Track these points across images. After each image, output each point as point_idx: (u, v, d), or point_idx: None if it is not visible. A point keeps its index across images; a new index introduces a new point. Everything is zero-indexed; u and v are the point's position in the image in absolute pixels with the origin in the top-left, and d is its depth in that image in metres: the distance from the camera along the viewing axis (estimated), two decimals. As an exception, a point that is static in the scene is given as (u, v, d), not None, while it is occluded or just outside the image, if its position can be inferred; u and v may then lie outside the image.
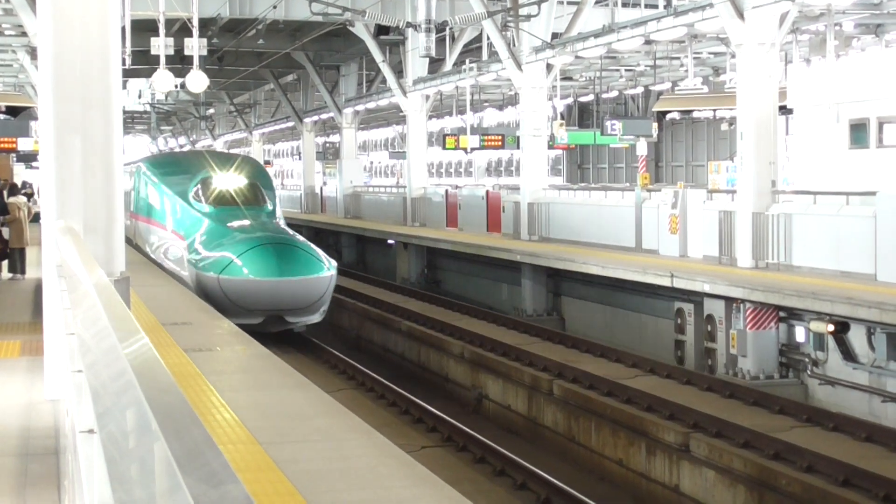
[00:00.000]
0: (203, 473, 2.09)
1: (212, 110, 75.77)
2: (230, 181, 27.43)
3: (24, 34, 26.70)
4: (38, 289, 14.60)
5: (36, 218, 24.83)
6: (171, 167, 31.37)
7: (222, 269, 23.37)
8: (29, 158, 36.09)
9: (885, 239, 18.86)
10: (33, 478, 7.67)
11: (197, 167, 28.78)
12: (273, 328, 23.73)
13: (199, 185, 27.18)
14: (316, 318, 24.96)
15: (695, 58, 36.51)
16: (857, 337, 17.09)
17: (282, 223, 27.98)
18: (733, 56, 26.33)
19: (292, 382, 10.04)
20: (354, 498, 6.75)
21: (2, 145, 33.34)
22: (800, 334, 18.39)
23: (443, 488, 6.98)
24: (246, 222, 26.18)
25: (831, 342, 17.55)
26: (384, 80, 41.51)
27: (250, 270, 23.41)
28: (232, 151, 60.58)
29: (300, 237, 26.74)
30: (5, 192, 23.05)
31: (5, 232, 20.33)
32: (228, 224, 25.84)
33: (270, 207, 27.90)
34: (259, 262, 23.59)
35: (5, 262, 21.03)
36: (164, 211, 28.35)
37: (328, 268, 24.43)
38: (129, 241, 22.26)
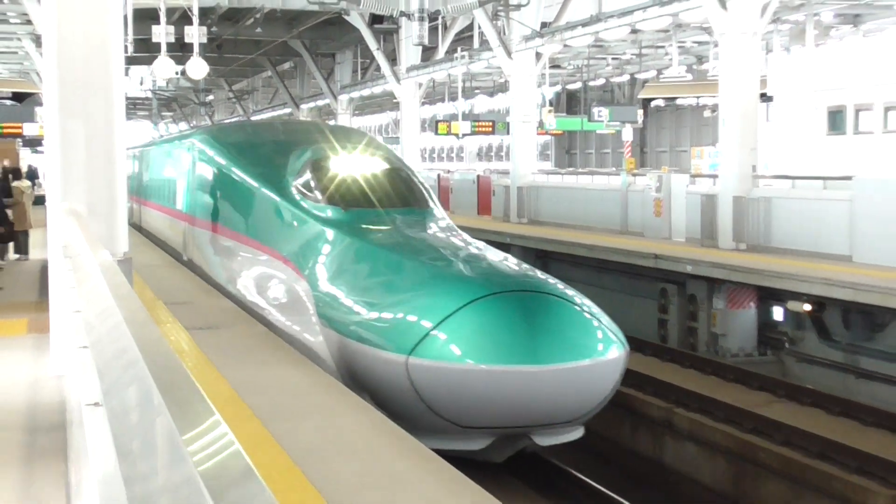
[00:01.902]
0: (206, 448, 2.12)
1: (211, 97, 75.61)
2: (358, 164, 14.60)
3: (28, 22, 26.58)
4: (42, 269, 14.61)
5: (39, 200, 24.79)
6: (252, 142, 17.49)
7: (414, 345, 10.13)
8: (34, 143, 35.96)
9: (861, 222, 18.92)
10: (41, 451, 7.70)
11: (297, 141, 16.14)
12: (498, 456, 10.78)
13: (307, 170, 14.36)
14: (578, 433, 11.34)
15: (679, 47, 36.55)
16: (832, 317, 17.15)
17: (470, 240, 14.01)
18: (716, 45, 26.27)
19: (289, 360, 10.07)
20: (349, 469, 6.76)
21: (8, 130, 33.32)
22: (778, 314, 18.44)
23: (435, 461, 6.99)
24: (417, 239, 13.28)
25: (808, 321, 17.62)
26: (378, 68, 41.43)
27: (483, 350, 10.10)
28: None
29: (547, 276, 12.44)
30: (10, 176, 22.97)
31: (10, 215, 20.25)
32: (384, 242, 13.02)
33: (437, 211, 14.88)
34: (496, 334, 10.27)
35: (11, 244, 20.98)
36: (246, 213, 15.27)
37: (620, 343, 10.91)
38: (178, 253, 18.90)
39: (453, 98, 43.83)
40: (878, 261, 18.09)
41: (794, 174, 24.61)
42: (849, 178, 20.94)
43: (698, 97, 45.10)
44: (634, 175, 28.80)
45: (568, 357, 9.74)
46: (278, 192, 14.52)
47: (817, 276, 16.98)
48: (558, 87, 56.09)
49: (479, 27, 33.06)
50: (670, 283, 20.42)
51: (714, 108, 34.23)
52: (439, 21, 33.88)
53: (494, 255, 12.62)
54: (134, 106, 78.43)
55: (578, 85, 51.28)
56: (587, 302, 11.00)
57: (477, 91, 52.83)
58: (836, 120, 26.77)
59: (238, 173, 16.03)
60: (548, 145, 64.85)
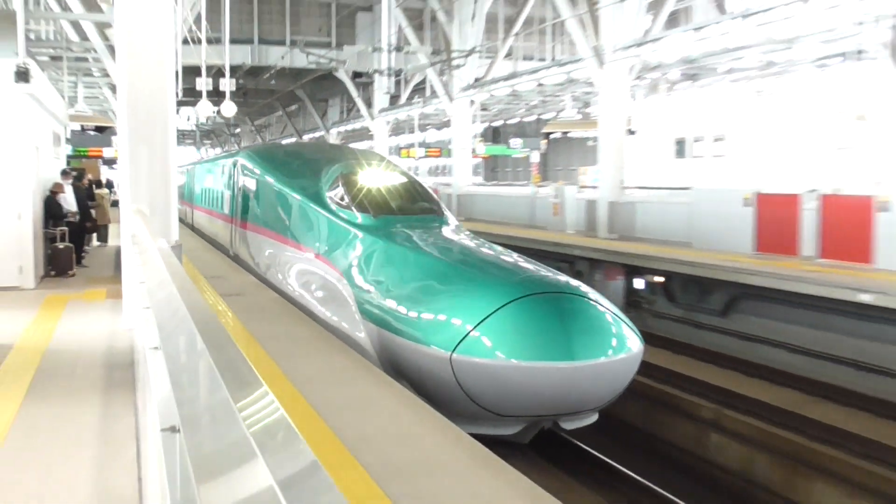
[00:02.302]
0: (235, 379, 2.14)
1: (238, 129, 75.02)
2: (379, 177, 12.69)
3: (106, 75, 26.22)
4: (117, 253, 14.50)
5: (114, 204, 24.56)
6: (289, 159, 15.30)
7: (457, 342, 8.38)
8: (111, 162, 35.65)
9: (697, 219, 19.13)
10: (116, 382, 7.67)
11: (328, 159, 13.95)
12: (525, 438, 9.17)
13: (339, 183, 12.36)
14: (594, 418, 9.54)
15: (571, 95, 36.58)
16: (676, 285, 17.31)
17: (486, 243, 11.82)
18: (597, 94, 26.38)
19: (295, 319, 10.04)
20: (341, 394, 6.71)
21: (92, 153, 33.12)
22: (639, 284, 18.57)
23: (399, 388, 6.92)
24: (444, 243, 11.17)
25: (660, 289, 17.77)
26: (358, 110, 41.29)
27: (520, 348, 8.26)
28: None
29: (569, 278, 9.94)
30: (94, 186, 22.73)
31: (93, 214, 20.07)
32: (415, 245, 10.86)
33: (450, 218, 12.54)
34: (532, 332, 8.40)
35: (94, 235, 20.79)
36: (289, 219, 13.06)
37: (638, 338, 9.11)
38: (227, 251, 16.77)
39: (412, 131, 43.75)
40: (709, 246, 18.38)
41: (651, 186, 24.83)
42: (688, 188, 21.17)
43: (585, 132, 45.24)
44: (539, 186, 28.94)
45: (598, 354, 8.14)
46: (318, 202, 12.21)
47: (666, 257, 17.13)
48: (487, 124, 56.06)
49: (430, 81, 33.01)
50: (564, 262, 20.50)
51: (595, 140, 34.41)
52: (402, 77, 33.88)
53: (518, 259, 10.50)
54: (182, 136, 77.58)
55: (500, 122, 51.22)
56: (608, 302, 9.21)
57: (429, 126, 52.69)
58: (679, 148, 26.99)
59: (282, 187, 13.55)
60: (479, 165, 64.89)
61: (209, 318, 2.98)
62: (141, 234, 7.84)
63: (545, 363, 7.90)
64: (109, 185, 34.44)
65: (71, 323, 10.47)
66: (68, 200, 16.27)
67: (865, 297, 12.71)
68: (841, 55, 21.71)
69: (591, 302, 8.77)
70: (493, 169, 66.16)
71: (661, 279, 17.30)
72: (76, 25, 24.36)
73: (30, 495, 4.94)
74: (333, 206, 12.01)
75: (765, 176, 21.65)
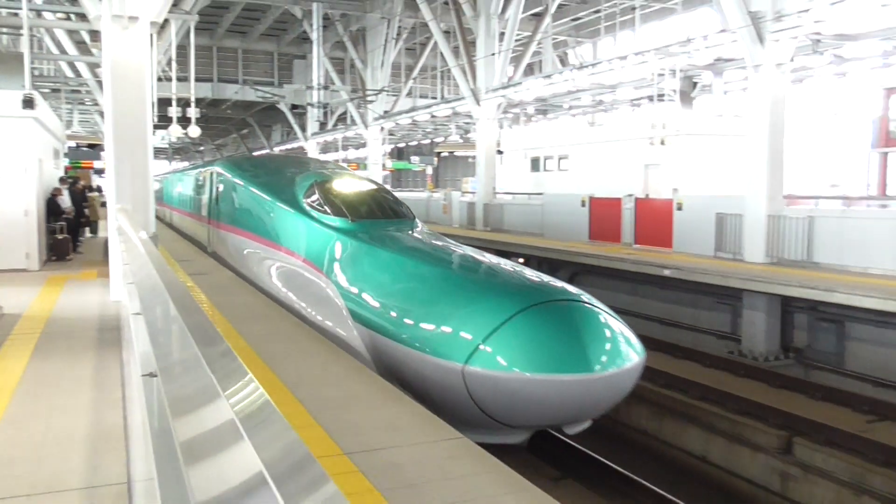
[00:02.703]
0: (203, 337, 2.07)
1: (202, 147, 72.93)
2: (348, 184, 10.44)
3: (96, 104, 25.19)
4: (105, 242, 13.92)
5: (102, 204, 23.61)
6: (264, 168, 12.52)
7: (469, 354, 6.03)
8: (100, 172, 34.32)
9: (547, 216, 19.45)
10: (105, 341, 7.38)
11: (297, 168, 11.80)
12: (524, 442, 6.68)
13: (314, 190, 10.09)
14: (588, 423, 6.64)
15: (456, 125, 36.70)
16: (534, 264, 17.57)
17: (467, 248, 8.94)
18: (475, 123, 26.53)
19: (248, 292, 9.80)
20: (282, 348, 6.61)
21: (85, 164, 31.98)
22: (506, 263, 18.76)
23: (381, 383, 5.74)
24: (426, 248, 8.50)
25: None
26: (296, 134, 40.60)
27: (535, 361, 5.88)
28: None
29: (565, 283, 7.26)
30: (87, 190, 21.80)
31: (87, 212, 19.27)
32: (401, 251, 8.27)
33: (419, 222, 10.13)
34: (543, 344, 6.02)
35: (87, 229, 20.01)
36: (268, 222, 10.51)
37: (641, 348, 6.56)
38: (203, 247, 14.46)
39: (337, 150, 43.19)
40: (556, 236, 18.69)
41: (516, 192, 25.12)
42: (541, 193, 21.50)
43: (466, 152, 45.47)
44: (432, 192, 28.96)
45: (610, 365, 6.05)
46: (296, 208, 9.78)
47: (525, 244, 17.38)
48: (393, 145, 55.81)
49: (350, 112, 32.67)
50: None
51: (473, 158, 34.61)
52: (328, 109, 33.44)
53: (507, 263, 7.98)
54: (157, 152, 74.88)
55: (403, 144, 51.10)
56: (609, 309, 6.92)
57: (349, 146, 52.16)
58: (534, 164, 27.37)
59: (260, 193, 10.96)
60: (388, 177, 64.50)
61: (181, 290, 2.88)
62: (125, 227, 7.53)
63: (561, 376, 5.87)
64: (99, 189, 33.27)
65: (69, 297, 10.04)
66: (65, 201, 15.66)
67: (667, 272, 13.14)
68: (649, 97, 22.36)
69: (598, 310, 6.62)
70: (398, 179, 65.84)
71: (522, 259, 17.53)
72: (72, 65, 23.31)
73: (40, 428, 4.75)
74: (311, 210, 9.59)
75: (596, 185, 22.14)
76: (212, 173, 14.05)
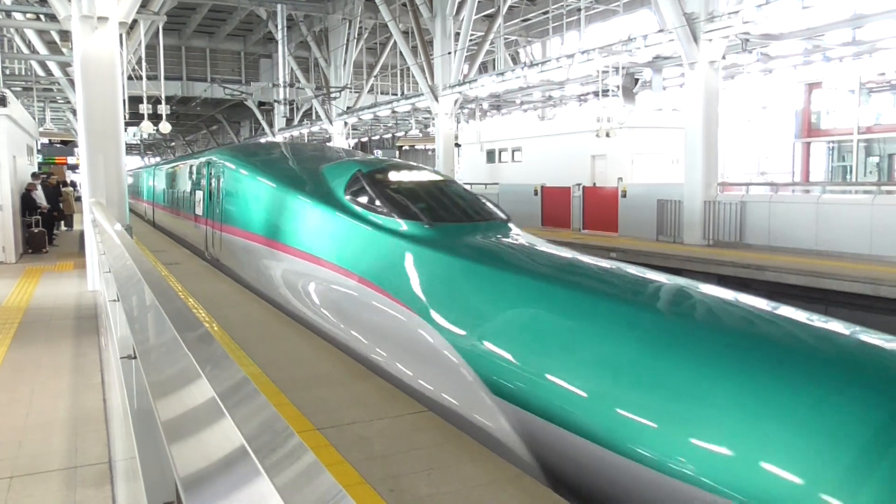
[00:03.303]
0: (182, 321, 2.03)
1: (174, 143, 71.48)
2: (403, 174, 6.47)
3: (68, 101, 24.51)
4: (80, 235, 13.61)
5: (77, 198, 23.03)
6: (279, 157, 8.56)
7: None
8: (74, 167, 33.40)
9: (503, 204, 19.50)
10: (83, 329, 7.22)
11: (328, 157, 7.98)
12: None
13: (360, 183, 6.17)
14: None
15: (416, 119, 36.57)
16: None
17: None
18: (434, 118, 26.47)
19: (220, 280, 9.65)
20: (254, 332, 6.50)
21: (59, 160, 31.24)
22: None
23: (349, 361, 5.52)
24: (578, 268, 4.36)
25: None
26: (263, 129, 40.02)
27: None
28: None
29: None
30: (61, 185, 21.23)
31: (61, 206, 18.79)
32: (537, 274, 4.05)
33: (511, 225, 6.33)
34: None
35: (62, 222, 19.54)
36: (295, 226, 6.67)
37: None
38: (200, 251, 11.29)
39: (302, 144, 42.84)
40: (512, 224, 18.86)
41: (473, 181, 25.14)
42: (497, 184, 21.56)
43: (426, 145, 45.35)
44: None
45: None
46: (339, 208, 6.55)
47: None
48: (356, 140, 55.39)
49: (315, 108, 32.30)
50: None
51: (433, 151, 34.56)
52: (294, 105, 33.04)
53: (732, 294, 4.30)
54: (130, 147, 73.28)
55: (367, 138, 50.77)
56: None
57: (315, 141, 51.63)
58: (490, 156, 27.43)
59: (282, 188, 7.66)
60: (351, 168, 64.12)
61: (158, 278, 2.82)
62: (101, 219, 7.34)
63: None
64: (73, 184, 32.46)
65: (46, 287, 9.77)
66: (40, 196, 15.24)
67: (613, 254, 13.31)
68: (595, 93, 22.52)
69: None
70: (361, 171, 65.69)
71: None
72: (43, 64, 22.61)
73: (21, 413, 4.63)
74: (362, 210, 6.34)
75: (548, 175, 22.28)
76: (209, 164, 10.66)
